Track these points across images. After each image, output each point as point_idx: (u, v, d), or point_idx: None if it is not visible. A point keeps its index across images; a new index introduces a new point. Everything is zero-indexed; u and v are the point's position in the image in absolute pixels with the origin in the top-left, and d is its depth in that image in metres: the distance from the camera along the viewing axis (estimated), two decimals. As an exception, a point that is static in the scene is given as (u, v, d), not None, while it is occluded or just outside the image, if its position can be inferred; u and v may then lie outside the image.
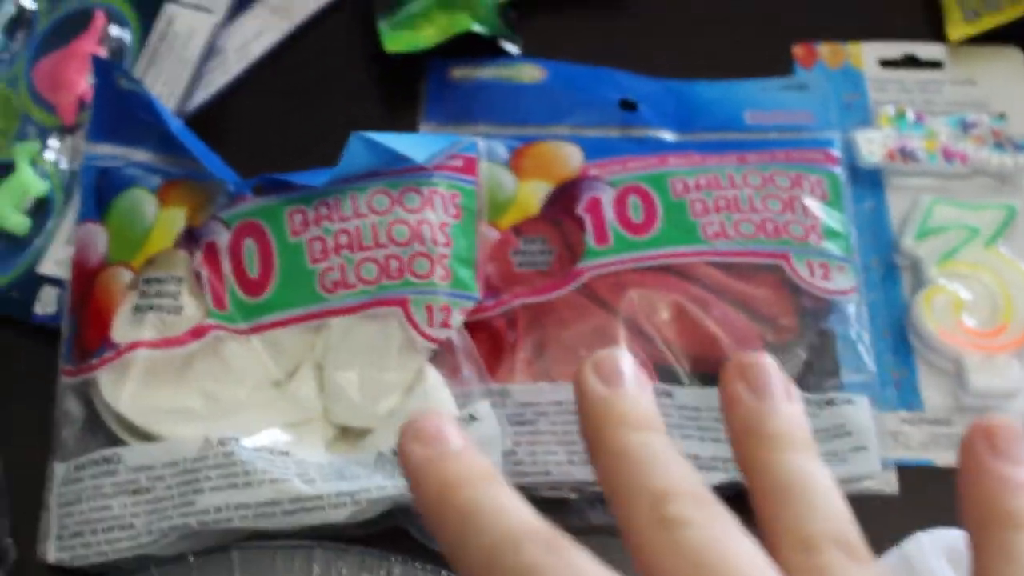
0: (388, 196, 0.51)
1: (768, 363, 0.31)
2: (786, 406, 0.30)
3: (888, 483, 0.51)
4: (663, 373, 0.51)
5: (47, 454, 0.50)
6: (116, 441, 0.49)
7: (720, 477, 0.49)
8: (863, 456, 0.49)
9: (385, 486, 0.47)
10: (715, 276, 0.53)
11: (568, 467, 0.49)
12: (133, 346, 0.49)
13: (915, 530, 0.49)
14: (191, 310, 0.51)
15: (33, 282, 0.55)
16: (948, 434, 0.53)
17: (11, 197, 0.56)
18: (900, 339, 0.56)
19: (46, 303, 0.55)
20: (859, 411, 0.50)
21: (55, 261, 0.55)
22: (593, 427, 0.30)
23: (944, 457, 0.53)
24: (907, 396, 0.54)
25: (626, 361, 0.31)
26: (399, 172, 0.52)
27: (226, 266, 0.51)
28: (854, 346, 0.53)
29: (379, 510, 0.47)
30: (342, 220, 0.51)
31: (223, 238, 0.51)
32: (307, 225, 0.51)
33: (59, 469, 0.49)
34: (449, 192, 0.52)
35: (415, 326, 0.49)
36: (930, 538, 0.49)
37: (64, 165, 0.58)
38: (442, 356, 0.50)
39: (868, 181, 0.59)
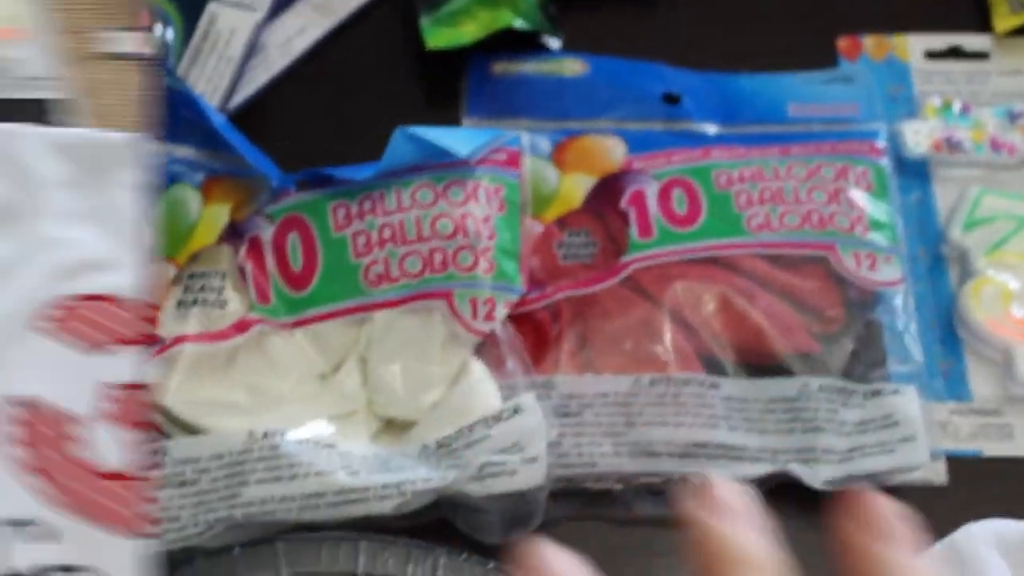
0: (432, 190, 0.51)
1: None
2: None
3: (937, 473, 0.51)
4: (709, 364, 0.51)
5: None
6: (162, 435, 0.50)
7: (766, 468, 0.49)
8: (911, 446, 0.49)
9: (430, 478, 0.47)
10: (760, 268, 0.53)
11: (614, 459, 0.49)
12: (178, 340, 0.50)
13: (964, 521, 0.49)
14: (235, 304, 0.51)
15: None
16: (997, 424, 0.53)
17: None
18: (948, 330, 0.55)
19: (95, 300, 0.56)
20: (907, 401, 0.50)
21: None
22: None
23: (993, 448, 0.53)
24: (955, 387, 0.54)
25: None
26: (443, 166, 0.52)
27: (270, 261, 0.51)
28: (901, 337, 0.52)
29: (424, 502, 0.47)
30: (386, 214, 0.51)
31: (267, 233, 0.52)
32: (351, 219, 0.51)
33: None
34: (493, 186, 0.52)
35: (459, 319, 0.49)
36: (980, 528, 0.49)
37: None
38: (486, 349, 0.50)
39: (914, 172, 0.59)
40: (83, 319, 0.52)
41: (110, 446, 0.45)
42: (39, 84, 0.67)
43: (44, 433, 0.45)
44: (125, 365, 0.47)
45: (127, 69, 0.65)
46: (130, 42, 0.62)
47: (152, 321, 0.50)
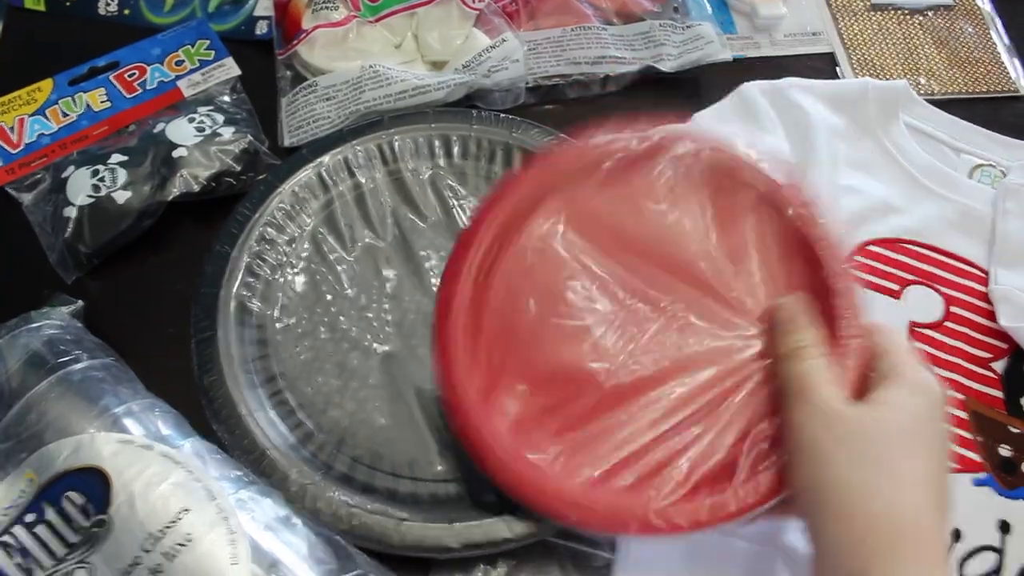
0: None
1: None
2: None
3: (727, 57, 0.87)
4: (603, 20, 0.87)
5: (276, 99, 0.84)
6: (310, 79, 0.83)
7: (637, 67, 0.85)
8: (713, 46, 0.85)
9: (463, 79, 0.80)
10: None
11: (555, 67, 0.85)
12: (315, 28, 0.83)
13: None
14: (342, 11, 0.84)
15: (252, 20, 0.90)
16: (752, 43, 0.91)
17: None
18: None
19: (260, 28, 0.89)
20: (707, 28, 0.86)
21: (262, 7, 0.90)
22: None
23: (748, 53, 0.89)
24: (727, 27, 0.92)
25: None
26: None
27: None
28: (701, 5, 0.89)
29: (460, 93, 0.81)
30: None
31: None
32: None
33: (283, 99, 0.83)
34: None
35: (465, 4, 0.84)
36: (751, 84, 0.83)
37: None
38: (481, 17, 0.85)
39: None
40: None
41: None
42: (809, 39, 0.90)
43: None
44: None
45: (887, 20, 0.91)
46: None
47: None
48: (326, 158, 0.77)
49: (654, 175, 0.61)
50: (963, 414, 0.70)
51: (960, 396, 0.70)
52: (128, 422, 0.60)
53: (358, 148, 0.77)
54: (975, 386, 0.71)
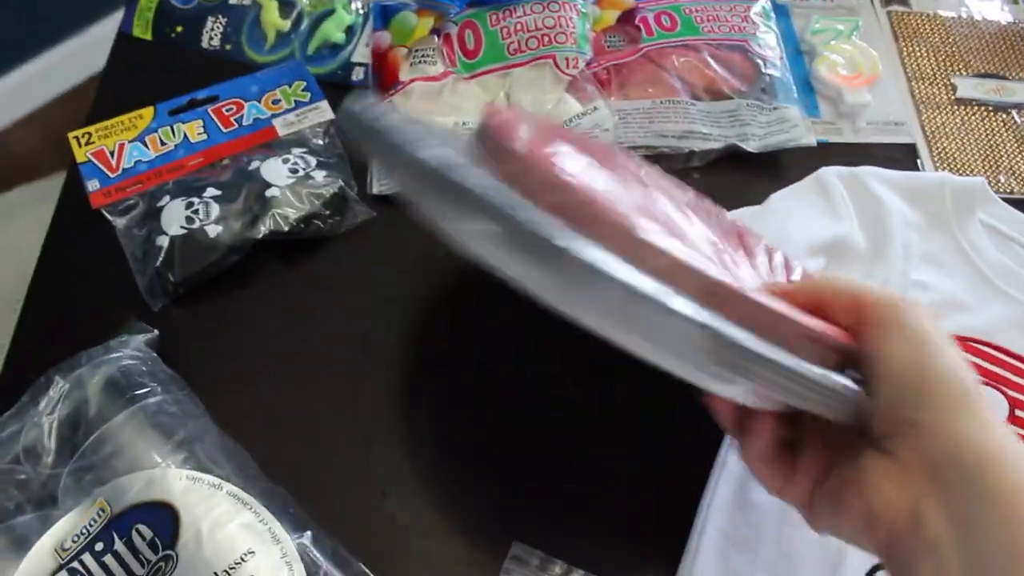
0: (541, 4, 0.87)
1: None
2: None
3: (810, 143, 0.86)
4: (691, 95, 0.87)
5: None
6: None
7: (721, 143, 0.84)
8: (798, 130, 0.85)
9: None
10: (711, 49, 0.89)
11: (642, 138, 0.84)
12: (412, 81, 0.84)
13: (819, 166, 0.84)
14: (439, 66, 0.85)
15: (349, 65, 0.91)
16: (834, 128, 0.91)
17: (336, 25, 0.92)
18: (806, 83, 0.93)
19: (357, 74, 0.90)
20: (793, 112, 0.86)
21: (360, 55, 0.91)
22: None
23: (831, 137, 0.90)
24: (811, 110, 0.91)
25: None
26: (543, -3, 0.87)
27: (455, 44, 0.86)
28: (788, 87, 0.89)
29: None
30: (517, 17, 0.86)
31: (454, 30, 0.87)
32: (499, 20, 0.86)
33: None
34: (572, 4, 0.88)
35: (559, 69, 0.84)
36: (829, 168, 0.82)
37: (361, 8, 0.93)
38: (574, 83, 0.85)
39: (780, 10, 0.97)
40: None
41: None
42: (892, 128, 0.90)
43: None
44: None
45: (971, 115, 0.91)
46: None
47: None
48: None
49: None
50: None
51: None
52: (199, 459, 0.61)
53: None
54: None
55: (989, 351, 0.75)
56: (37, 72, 2.13)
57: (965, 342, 0.75)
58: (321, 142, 0.83)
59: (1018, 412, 0.73)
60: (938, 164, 0.87)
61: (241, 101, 0.85)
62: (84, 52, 2.15)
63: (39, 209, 0.83)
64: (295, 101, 0.85)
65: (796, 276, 0.61)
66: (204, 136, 0.83)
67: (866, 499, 0.49)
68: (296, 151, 0.81)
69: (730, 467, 0.68)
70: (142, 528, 0.58)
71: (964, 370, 0.49)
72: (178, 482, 0.59)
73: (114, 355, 0.65)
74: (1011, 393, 0.73)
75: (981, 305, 0.77)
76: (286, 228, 0.75)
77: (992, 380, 0.74)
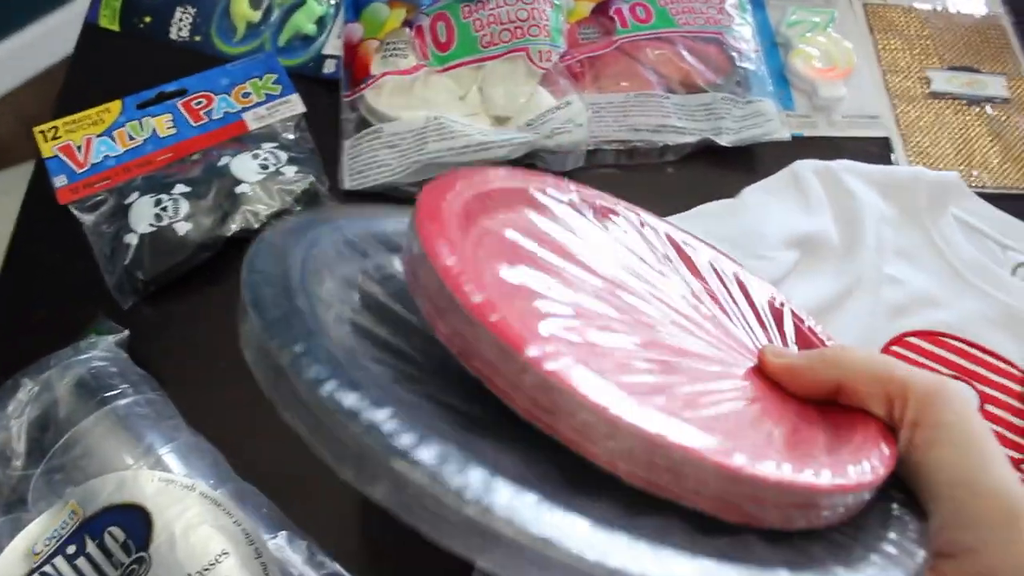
0: (515, -4, 0.86)
1: None
2: None
3: (784, 137, 0.86)
4: (665, 88, 0.86)
5: (338, 140, 0.83)
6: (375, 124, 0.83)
7: (695, 137, 0.84)
8: (772, 124, 0.85)
9: (525, 138, 0.80)
10: (687, 42, 0.88)
11: (616, 132, 0.84)
12: (383, 74, 0.83)
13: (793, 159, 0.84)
14: (411, 59, 0.84)
15: (320, 58, 0.90)
16: (808, 121, 0.90)
17: (307, 16, 0.90)
18: (781, 77, 0.92)
19: (328, 67, 0.89)
20: (767, 105, 0.85)
21: (332, 47, 0.90)
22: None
23: (806, 131, 0.89)
24: (787, 103, 0.91)
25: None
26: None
27: (428, 36, 0.85)
28: (762, 80, 0.88)
29: (521, 152, 0.80)
30: (489, 10, 0.85)
31: (425, 22, 0.85)
32: (472, 12, 0.85)
33: (346, 141, 0.82)
34: (544, -2, 0.87)
35: (532, 62, 0.83)
36: (804, 162, 0.82)
37: (329, -4, 0.92)
38: (547, 76, 0.84)
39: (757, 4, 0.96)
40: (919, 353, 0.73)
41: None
42: (866, 122, 0.89)
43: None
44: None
45: (944, 109, 0.90)
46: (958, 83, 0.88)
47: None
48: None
49: None
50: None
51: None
52: (171, 460, 0.60)
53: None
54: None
55: (960, 346, 0.75)
56: (6, 54, 2.11)
57: (937, 337, 0.75)
58: (292, 136, 0.82)
59: (987, 406, 0.73)
60: (912, 158, 0.87)
61: (211, 94, 0.84)
62: (54, 34, 2.15)
63: (4, 200, 0.81)
64: (266, 94, 0.84)
65: (788, 323, 0.58)
66: (173, 130, 0.81)
67: None
68: (267, 146, 0.79)
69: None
70: (115, 530, 0.57)
71: (1014, 483, 0.44)
72: (150, 484, 0.58)
73: (83, 356, 0.64)
74: (981, 388, 0.73)
75: (953, 300, 0.77)
76: (256, 225, 0.74)
77: (963, 375, 0.74)
